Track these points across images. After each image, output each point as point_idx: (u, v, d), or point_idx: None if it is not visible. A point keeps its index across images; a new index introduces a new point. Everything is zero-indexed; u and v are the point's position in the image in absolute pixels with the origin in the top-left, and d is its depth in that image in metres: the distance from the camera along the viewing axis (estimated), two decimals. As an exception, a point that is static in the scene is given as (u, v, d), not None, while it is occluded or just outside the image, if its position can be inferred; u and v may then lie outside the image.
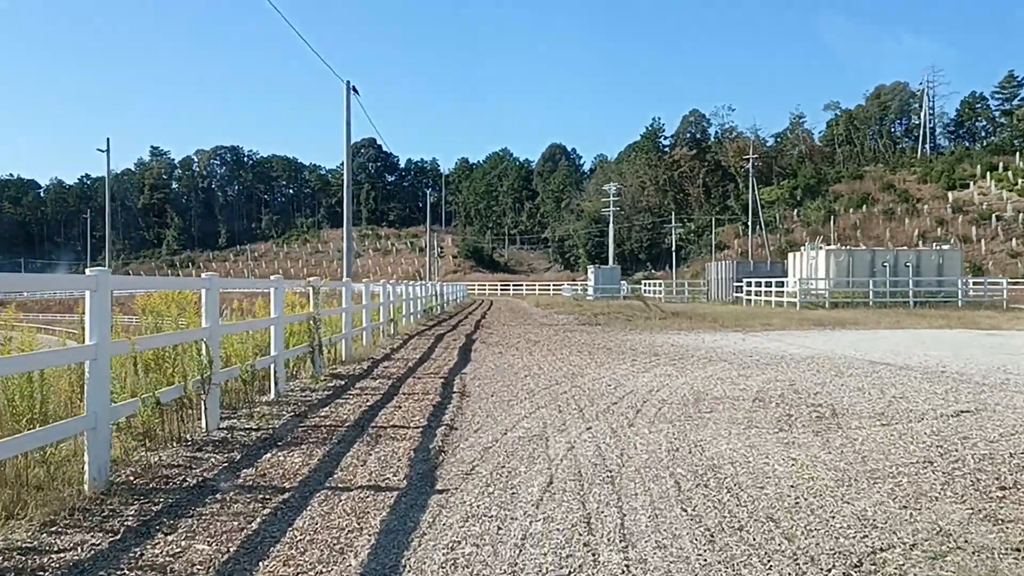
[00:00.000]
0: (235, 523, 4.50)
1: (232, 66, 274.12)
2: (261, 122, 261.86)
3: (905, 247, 53.52)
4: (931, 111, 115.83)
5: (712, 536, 4.20)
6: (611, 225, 78.28)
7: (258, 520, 4.55)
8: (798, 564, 3.79)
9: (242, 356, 8.35)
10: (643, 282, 68.98)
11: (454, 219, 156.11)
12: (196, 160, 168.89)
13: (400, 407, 8.50)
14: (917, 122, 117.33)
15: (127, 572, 3.79)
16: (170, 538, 4.25)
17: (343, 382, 10.62)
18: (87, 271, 5.23)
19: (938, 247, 40.48)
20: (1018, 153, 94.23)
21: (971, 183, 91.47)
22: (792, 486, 5.18)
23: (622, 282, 63.53)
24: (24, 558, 3.94)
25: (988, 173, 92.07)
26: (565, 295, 64.94)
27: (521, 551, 3.99)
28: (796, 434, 6.90)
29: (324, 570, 3.77)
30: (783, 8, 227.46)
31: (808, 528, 4.32)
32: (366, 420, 7.70)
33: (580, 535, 4.22)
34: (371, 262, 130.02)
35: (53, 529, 4.38)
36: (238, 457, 6.19)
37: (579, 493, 5.03)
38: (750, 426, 7.27)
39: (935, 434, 6.85)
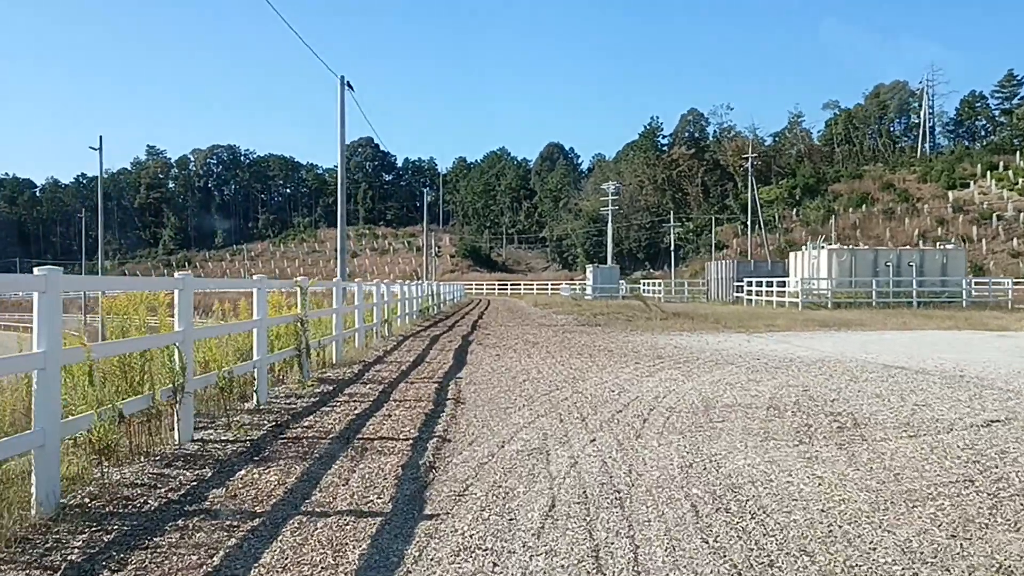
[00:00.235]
0: (194, 557, 3.94)
1: (229, 65, 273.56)
2: (258, 121, 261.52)
3: (908, 247, 53.04)
4: (931, 110, 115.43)
5: (740, 575, 3.65)
6: (610, 224, 77.70)
7: (221, 554, 3.99)
8: (844, 612, 3.25)
9: (220, 361, 7.78)
10: (642, 282, 68.43)
11: (452, 218, 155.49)
12: (193, 159, 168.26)
13: (390, 416, 7.94)
14: (917, 121, 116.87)
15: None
16: (116, 577, 3.70)
17: (331, 387, 10.05)
18: (35, 270, 4.70)
19: (942, 247, 39.93)
20: (1018, 152, 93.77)
21: (971, 182, 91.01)
22: (822, 510, 4.64)
23: (621, 282, 63.02)
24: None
25: (988, 172, 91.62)
26: (563, 295, 64.36)
27: (520, 595, 3.44)
28: (818, 447, 6.35)
29: (289, 620, 3.22)
30: (782, 6, 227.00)
31: (848, 564, 3.78)
32: (352, 431, 7.15)
33: (588, 574, 3.67)
34: (368, 262, 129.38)
35: (-17, 566, 3.82)
36: (209, 474, 5.63)
37: (585, 519, 4.49)
38: (767, 437, 6.72)
39: (969, 447, 6.31)
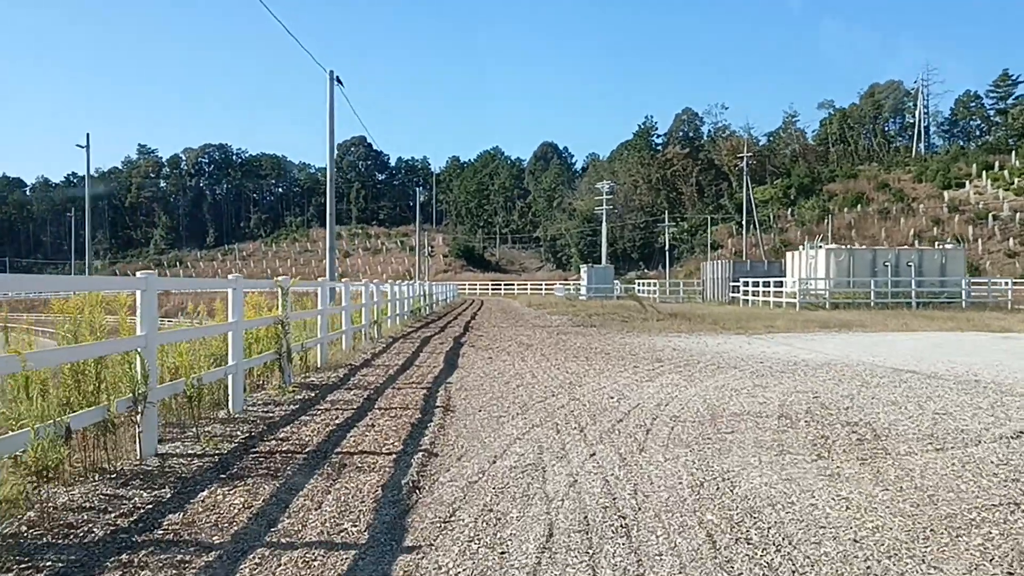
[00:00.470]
0: (133, 603, 3.39)
1: (221, 64, 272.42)
2: (250, 121, 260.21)
3: (906, 246, 52.66)
4: (925, 110, 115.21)
5: (772, 627, 3.11)
6: (604, 224, 77.17)
7: (164, 598, 3.43)
8: None
9: (190, 368, 7.20)
10: (636, 282, 67.86)
11: (445, 218, 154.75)
12: (184, 158, 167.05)
13: (374, 426, 7.38)
14: (911, 121, 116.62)
15: None
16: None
17: (314, 393, 9.48)
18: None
19: (941, 246, 39.48)
20: (1014, 152, 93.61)
21: (967, 182, 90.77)
22: (855, 540, 4.10)
23: (615, 282, 62.50)
24: None
25: (984, 172, 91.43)
26: (557, 295, 63.82)
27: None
28: (839, 463, 5.81)
29: None
30: (777, 6, 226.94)
31: (896, 611, 3.24)
32: (331, 444, 6.58)
33: (593, 626, 3.13)
34: (361, 261, 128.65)
35: None
36: (168, 495, 5.07)
37: (587, 552, 3.94)
38: (782, 451, 6.18)
39: (1004, 463, 5.77)
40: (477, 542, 4.10)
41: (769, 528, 4.31)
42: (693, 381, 10.38)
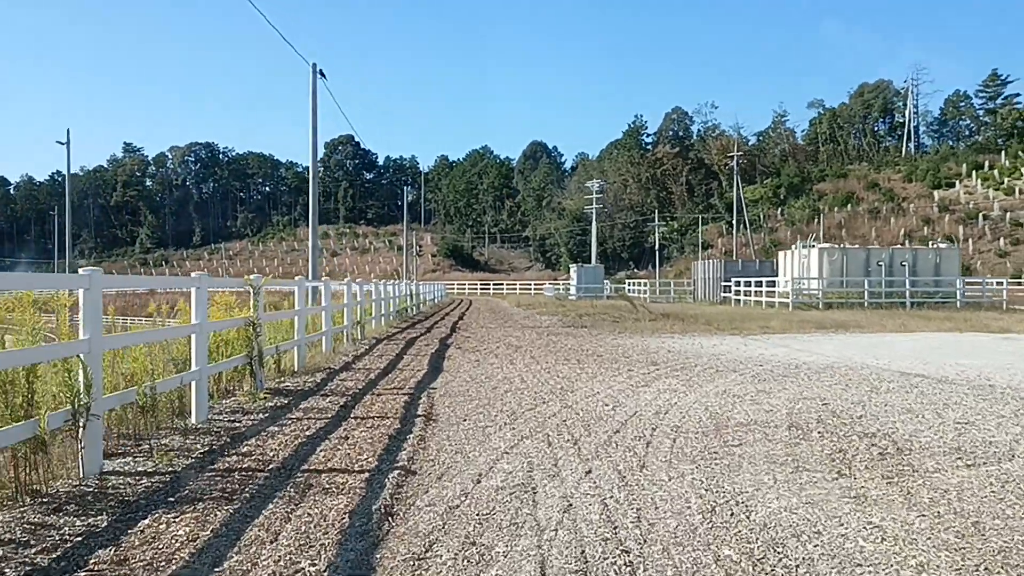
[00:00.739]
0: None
1: (208, 62, 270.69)
2: (239, 120, 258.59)
3: (900, 246, 52.30)
4: (915, 109, 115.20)
5: None
6: (594, 223, 76.64)
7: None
8: None
9: (144, 375, 6.55)
10: (626, 282, 67.33)
11: (433, 217, 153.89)
12: (170, 157, 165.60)
13: (348, 438, 6.73)
14: (901, 120, 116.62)
15: None
16: None
17: (287, 400, 8.82)
18: None
19: (935, 246, 39.05)
20: (1003, 152, 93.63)
21: (957, 182, 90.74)
22: (900, 582, 3.49)
23: (605, 281, 61.95)
24: None
25: (974, 172, 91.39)
26: (547, 295, 63.16)
27: None
28: (863, 482, 5.21)
29: None
30: (768, 5, 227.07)
31: None
32: (298, 459, 5.93)
33: None
34: (349, 261, 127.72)
35: None
36: (103, 524, 4.41)
37: (586, 600, 3.31)
38: (798, 468, 5.57)
39: (1047, 482, 5.18)
40: (456, 586, 3.48)
41: (798, 566, 3.69)
42: (692, 386, 9.78)
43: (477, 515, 4.51)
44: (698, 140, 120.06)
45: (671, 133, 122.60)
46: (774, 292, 35.62)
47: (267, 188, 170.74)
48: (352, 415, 7.87)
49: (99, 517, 4.54)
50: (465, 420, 7.54)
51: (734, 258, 65.88)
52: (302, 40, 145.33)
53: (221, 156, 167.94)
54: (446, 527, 4.30)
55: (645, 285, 56.80)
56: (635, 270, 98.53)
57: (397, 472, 5.51)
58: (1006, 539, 4.07)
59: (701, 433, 6.82)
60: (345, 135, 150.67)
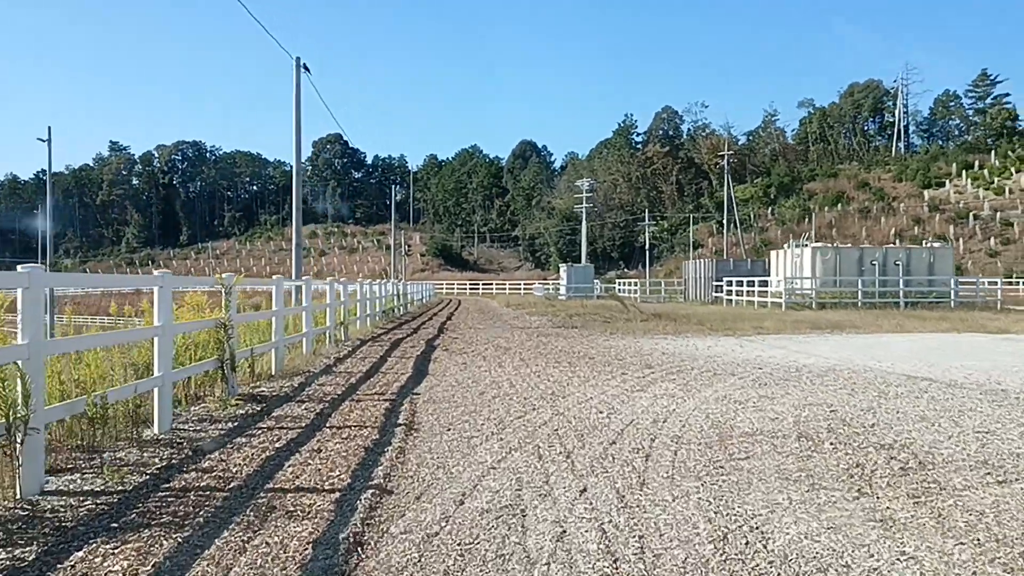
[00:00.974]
0: None
1: (196, 61, 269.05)
2: (224, 118, 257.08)
3: (892, 245, 52.03)
4: (905, 109, 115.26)
5: None
6: (584, 222, 76.17)
7: None
8: None
9: (96, 381, 5.98)
10: (617, 281, 66.86)
11: (422, 216, 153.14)
12: (157, 155, 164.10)
13: (320, 451, 6.18)
14: (891, 120, 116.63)
15: None
16: None
17: (259, 407, 8.26)
18: None
19: (929, 245, 38.70)
20: (993, 151, 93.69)
21: (947, 181, 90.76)
22: (951, 632, 2.97)
23: (595, 281, 61.47)
24: None
25: (964, 171, 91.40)
26: (536, 295, 62.66)
27: None
28: (887, 502, 4.69)
29: None
30: (760, 4, 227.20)
31: None
32: (263, 476, 5.38)
33: None
34: (337, 260, 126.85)
35: None
36: (31, 557, 3.86)
37: (585, 658, 2.79)
38: (814, 486, 5.06)
39: (1090, 501, 4.69)
40: (431, 640, 2.94)
41: (829, 610, 3.18)
42: (690, 391, 9.26)
43: (458, 545, 3.98)
44: (688, 139, 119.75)
45: (661, 132, 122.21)
46: (767, 292, 35.20)
47: (255, 187, 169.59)
48: (328, 424, 7.32)
49: (27, 548, 3.99)
50: (449, 429, 7.00)
51: (725, 257, 65.54)
52: (302, 41, 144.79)
53: (208, 155, 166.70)
54: (422, 560, 3.77)
55: (635, 285, 56.34)
56: (625, 270, 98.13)
57: (371, 492, 4.97)
58: (1062, 574, 3.56)
59: (704, 444, 6.31)
60: (334, 134, 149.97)
